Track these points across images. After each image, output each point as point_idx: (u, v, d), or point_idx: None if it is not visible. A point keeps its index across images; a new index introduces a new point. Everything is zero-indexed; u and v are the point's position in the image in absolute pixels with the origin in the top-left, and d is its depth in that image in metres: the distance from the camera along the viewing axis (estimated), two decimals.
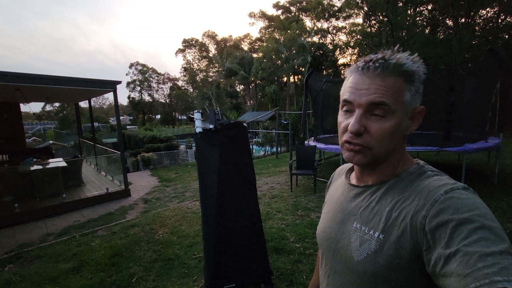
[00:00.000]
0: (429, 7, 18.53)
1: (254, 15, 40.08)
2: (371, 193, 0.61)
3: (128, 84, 47.31)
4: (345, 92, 0.59)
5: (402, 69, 0.54)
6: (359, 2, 20.47)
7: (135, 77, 48.03)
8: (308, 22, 31.62)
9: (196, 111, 2.45)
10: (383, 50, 0.57)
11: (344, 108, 0.60)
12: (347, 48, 25.07)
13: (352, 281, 0.60)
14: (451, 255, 0.43)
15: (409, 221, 0.51)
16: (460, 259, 0.41)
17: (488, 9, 16.64)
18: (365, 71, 0.56)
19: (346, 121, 0.58)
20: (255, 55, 35.88)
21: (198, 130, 2.27)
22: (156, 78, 50.04)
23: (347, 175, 0.74)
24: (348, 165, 0.77)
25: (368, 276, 0.55)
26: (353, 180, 0.69)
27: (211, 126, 2.27)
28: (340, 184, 0.75)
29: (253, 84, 36.01)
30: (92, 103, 8.49)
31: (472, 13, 15.89)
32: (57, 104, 39.92)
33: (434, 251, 0.46)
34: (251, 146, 14.69)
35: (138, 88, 48.51)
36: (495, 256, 0.39)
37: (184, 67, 49.02)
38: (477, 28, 16.95)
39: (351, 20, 25.82)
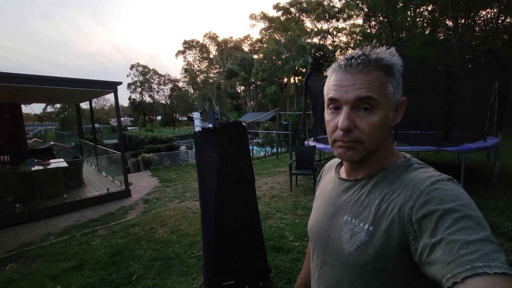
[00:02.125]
0: (429, 8, 18.56)
1: (255, 17, 40.20)
2: (360, 186, 0.63)
3: (129, 85, 47.48)
4: (329, 91, 0.60)
5: (383, 63, 0.55)
6: (359, 3, 20.50)
7: (135, 78, 48.23)
8: (308, 23, 31.73)
9: (195, 111, 2.48)
10: (362, 47, 0.59)
11: (331, 107, 0.60)
12: (347, 49, 25.10)
13: (342, 273, 0.61)
14: (436, 244, 0.44)
15: (397, 212, 0.52)
16: (444, 247, 0.43)
17: (488, 10, 16.65)
18: (348, 68, 0.57)
19: (334, 120, 0.59)
20: (255, 56, 35.92)
21: (197, 129, 2.29)
22: (156, 79, 50.20)
23: (336, 170, 0.75)
24: (338, 160, 0.78)
25: (358, 267, 0.57)
26: (343, 174, 0.71)
27: (210, 126, 2.29)
28: (330, 178, 0.77)
29: (253, 85, 36.06)
30: (93, 104, 8.53)
31: (472, 14, 15.91)
32: (58, 105, 40.06)
33: (421, 240, 0.47)
34: (251, 147, 14.72)
35: (139, 89, 48.67)
36: (477, 243, 0.41)
37: (185, 68, 49.14)
38: (477, 29, 16.96)
39: (351, 21, 25.84)
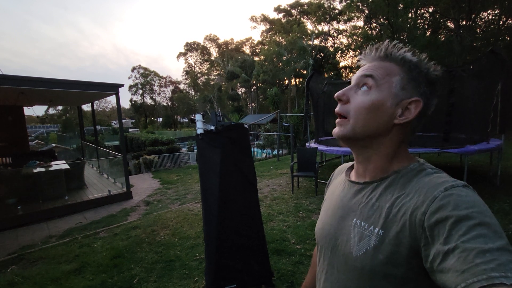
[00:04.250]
0: (430, 10, 18.59)
1: (256, 19, 40.31)
2: (371, 189, 0.61)
3: (130, 87, 47.59)
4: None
5: (398, 56, 0.59)
6: (360, 5, 20.54)
7: (137, 81, 48.34)
8: (309, 25, 31.78)
9: (197, 113, 2.47)
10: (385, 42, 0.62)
11: None
12: (348, 51, 25.13)
13: (350, 277, 0.59)
14: (449, 251, 0.43)
15: (409, 217, 0.51)
16: (458, 255, 0.41)
17: (489, 11, 16.65)
18: (365, 57, 0.63)
19: None
20: (256, 58, 36.04)
21: (199, 131, 2.29)
22: (158, 81, 50.34)
23: (347, 173, 0.74)
24: (349, 164, 0.77)
25: (366, 272, 0.55)
26: (353, 177, 0.70)
27: (212, 128, 2.29)
28: (340, 181, 0.75)
29: (254, 87, 36.11)
30: (95, 107, 8.56)
31: (473, 16, 15.91)
32: (60, 108, 40.24)
33: (433, 247, 0.46)
34: (252, 149, 14.69)
35: (140, 91, 48.79)
36: (493, 252, 0.40)
37: (186, 70, 49.29)
38: (478, 30, 16.95)
39: (352, 23, 25.92)
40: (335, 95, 0.62)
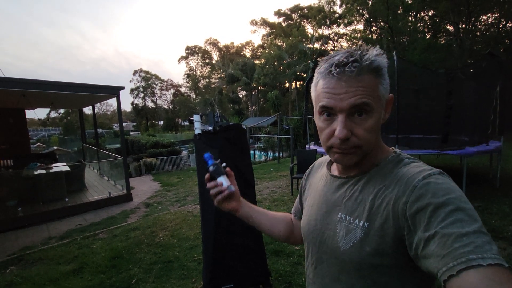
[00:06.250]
0: (430, 13, 18.69)
1: (256, 23, 40.58)
2: (353, 183, 0.63)
3: (131, 90, 47.85)
4: (320, 98, 0.57)
5: (373, 66, 0.54)
6: (360, 9, 20.68)
7: (138, 84, 48.61)
8: (309, 29, 31.97)
9: (196, 113, 2.49)
10: (355, 47, 0.57)
11: (324, 114, 0.58)
12: None
13: (339, 270, 0.61)
14: (430, 238, 0.45)
15: (391, 207, 0.53)
16: (438, 241, 0.44)
17: (489, 14, 16.73)
18: (340, 76, 0.54)
19: (329, 128, 0.58)
20: (257, 61, 36.20)
21: (197, 131, 2.31)
22: (159, 84, 50.60)
23: (328, 167, 0.74)
24: (328, 157, 0.77)
25: (354, 264, 0.57)
26: (335, 172, 0.70)
27: (210, 128, 2.31)
28: (321, 176, 0.76)
29: (255, 90, 36.24)
30: (96, 110, 8.60)
31: (473, 19, 15.99)
32: (62, 110, 40.46)
33: (415, 235, 0.48)
34: (253, 152, 14.69)
35: (142, 95, 49.02)
36: (470, 235, 0.42)
37: (187, 74, 49.55)
38: (478, 33, 17.02)
39: (352, 27, 26.08)
40: (341, 136, 0.54)
